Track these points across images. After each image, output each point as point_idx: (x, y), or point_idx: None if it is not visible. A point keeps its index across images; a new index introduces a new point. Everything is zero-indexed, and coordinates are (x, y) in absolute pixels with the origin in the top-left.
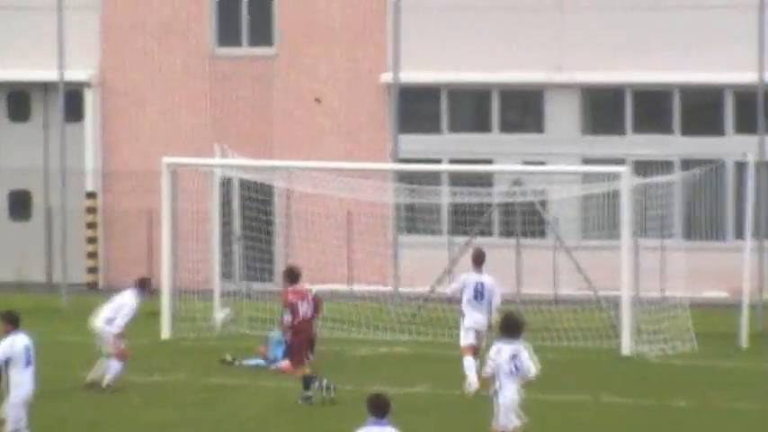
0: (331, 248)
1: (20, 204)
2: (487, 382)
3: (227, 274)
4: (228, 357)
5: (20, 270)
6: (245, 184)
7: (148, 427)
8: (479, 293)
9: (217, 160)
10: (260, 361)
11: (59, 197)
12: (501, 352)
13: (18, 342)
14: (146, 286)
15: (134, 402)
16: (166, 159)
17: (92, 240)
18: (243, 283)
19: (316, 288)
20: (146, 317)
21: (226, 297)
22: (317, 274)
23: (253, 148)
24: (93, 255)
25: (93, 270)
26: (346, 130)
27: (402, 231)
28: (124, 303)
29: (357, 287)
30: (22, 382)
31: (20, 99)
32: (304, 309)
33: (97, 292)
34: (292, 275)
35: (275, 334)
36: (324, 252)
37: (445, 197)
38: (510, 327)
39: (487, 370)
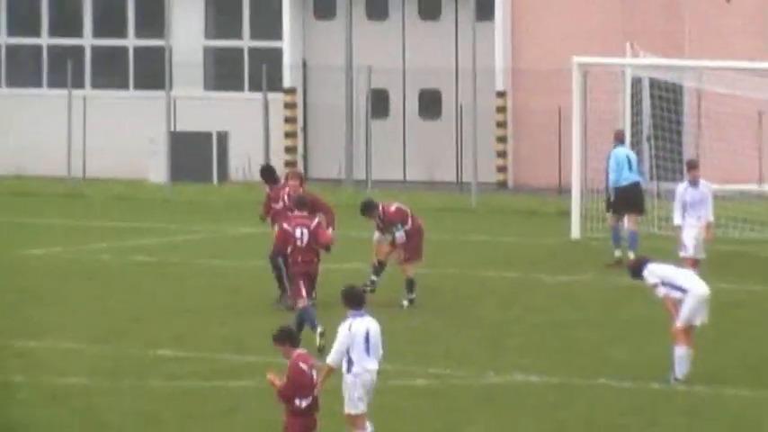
0: (741, 148)
1: (430, 103)
2: None
3: None
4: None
5: (430, 169)
6: (654, 84)
7: (550, 326)
8: None
9: (627, 60)
10: None
11: (470, 96)
12: None
13: None
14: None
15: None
16: (577, 59)
17: (501, 139)
18: (653, 183)
19: None
20: (555, 216)
21: None
22: (727, 174)
23: (663, 48)
24: (502, 154)
25: (502, 169)
26: (757, 30)
27: None
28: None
29: None
30: None
31: None
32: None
33: (506, 190)
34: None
35: None
36: (734, 152)
37: None
38: None
39: None
